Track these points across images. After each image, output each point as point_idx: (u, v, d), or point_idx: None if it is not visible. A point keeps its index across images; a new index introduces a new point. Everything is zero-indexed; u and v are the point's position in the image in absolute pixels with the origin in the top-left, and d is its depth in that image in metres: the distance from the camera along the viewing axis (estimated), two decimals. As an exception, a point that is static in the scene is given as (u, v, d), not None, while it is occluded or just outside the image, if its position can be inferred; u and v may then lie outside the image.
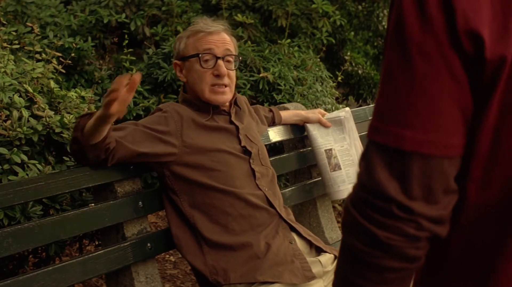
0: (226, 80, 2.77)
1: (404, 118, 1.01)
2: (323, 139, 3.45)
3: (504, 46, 0.97)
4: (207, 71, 2.75)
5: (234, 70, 2.85)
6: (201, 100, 2.79)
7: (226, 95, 2.80)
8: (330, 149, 3.45)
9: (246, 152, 2.80)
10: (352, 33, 6.56)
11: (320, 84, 4.57)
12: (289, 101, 4.10)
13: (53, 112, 2.99)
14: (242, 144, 2.80)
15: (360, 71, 6.79)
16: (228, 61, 2.81)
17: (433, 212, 1.01)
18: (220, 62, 2.76)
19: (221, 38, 2.80)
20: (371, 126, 1.07)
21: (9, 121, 2.79)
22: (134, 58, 4.54)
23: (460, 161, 1.02)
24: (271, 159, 3.10)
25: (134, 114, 4.16)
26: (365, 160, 1.06)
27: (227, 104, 2.86)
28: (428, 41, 0.99)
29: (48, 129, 2.90)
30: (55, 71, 3.41)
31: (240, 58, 2.96)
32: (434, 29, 0.98)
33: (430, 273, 1.12)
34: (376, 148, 1.04)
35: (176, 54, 2.87)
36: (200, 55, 2.76)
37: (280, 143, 3.68)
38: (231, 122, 2.83)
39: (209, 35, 2.79)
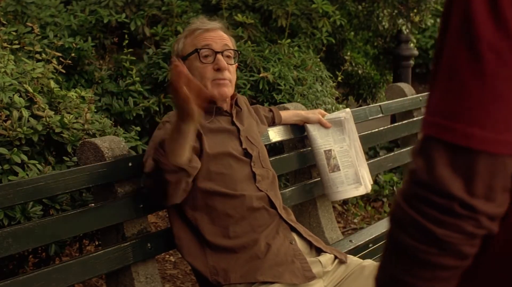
0: (226, 75, 2.77)
1: (473, 116, 1.00)
2: (322, 140, 3.45)
3: None
4: (207, 66, 2.75)
5: (235, 65, 2.85)
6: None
7: (228, 88, 2.79)
8: (330, 150, 3.45)
9: (247, 154, 2.80)
10: (352, 33, 6.56)
11: (320, 84, 4.57)
12: (289, 101, 4.10)
13: (53, 112, 3.00)
14: (243, 146, 2.79)
15: (360, 71, 6.79)
16: (228, 56, 2.81)
17: (492, 209, 1.02)
18: (219, 56, 2.76)
19: (218, 35, 2.81)
20: (432, 123, 1.04)
21: (9, 121, 2.80)
22: (134, 58, 4.54)
23: None
24: (271, 159, 3.10)
25: (134, 114, 4.16)
26: (424, 157, 1.04)
27: (228, 104, 2.86)
28: (501, 41, 0.98)
29: (48, 129, 2.90)
30: (55, 71, 3.42)
31: (240, 53, 2.97)
32: (509, 30, 0.98)
33: (471, 269, 1.11)
34: (439, 145, 1.03)
35: (176, 55, 2.87)
36: (199, 51, 2.76)
37: (280, 143, 3.68)
38: (233, 123, 2.83)
39: (206, 32, 2.80)
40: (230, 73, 2.79)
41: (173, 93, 2.29)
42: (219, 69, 2.75)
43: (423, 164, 1.04)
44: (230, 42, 2.85)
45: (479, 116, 0.99)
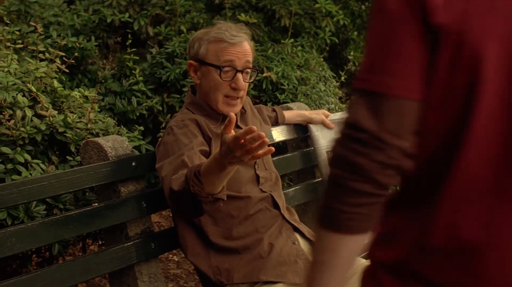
0: (241, 93, 2.77)
1: (382, 68, 1.28)
2: (325, 141, 3.44)
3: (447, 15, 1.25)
4: (225, 83, 2.74)
5: (248, 83, 2.83)
6: (211, 108, 2.78)
7: (237, 107, 2.79)
8: (332, 151, 3.44)
9: (252, 157, 2.79)
10: (356, 32, 6.55)
11: (324, 83, 4.57)
12: (292, 101, 4.10)
13: (56, 112, 3.00)
14: (247, 149, 2.78)
15: (363, 71, 6.77)
16: (246, 73, 2.80)
17: (401, 144, 1.26)
18: (239, 75, 2.74)
19: (242, 50, 2.77)
20: (357, 78, 1.31)
21: (12, 121, 2.80)
22: (137, 57, 4.54)
23: (421, 107, 1.28)
24: (274, 159, 3.09)
25: (138, 114, 4.16)
26: (351, 104, 1.31)
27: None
28: (401, 9, 1.26)
29: (51, 129, 2.90)
30: (58, 70, 3.42)
31: (258, 73, 2.95)
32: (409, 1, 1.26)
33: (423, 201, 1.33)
34: (360, 94, 1.30)
35: (193, 54, 2.82)
36: (221, 68, 2.73)
37: (283, 142, 3.68)
38: (237, 126, 2.82)
39: (231, 46, 2.75)
40: (244, 91, 2.79)
41: (236, 147, 2.21)
42: (235, 89, 2.75)
43: (350, 111, 1.31)
44: (251, 55, 2.82)
45: (386, 68, 1.27)
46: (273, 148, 2.24)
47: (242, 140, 2.19)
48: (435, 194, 1.30)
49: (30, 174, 2.67)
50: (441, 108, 1.28)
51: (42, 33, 3.87)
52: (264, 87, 4.24)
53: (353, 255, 1.35)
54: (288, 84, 4.26)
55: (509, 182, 1.27)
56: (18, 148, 2.71)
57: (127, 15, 4.86)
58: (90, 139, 2.78)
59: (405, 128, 1.27)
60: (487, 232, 1.28)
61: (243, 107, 2.91)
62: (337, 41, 5.39)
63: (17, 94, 2.89)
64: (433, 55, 1.26)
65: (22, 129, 2.78)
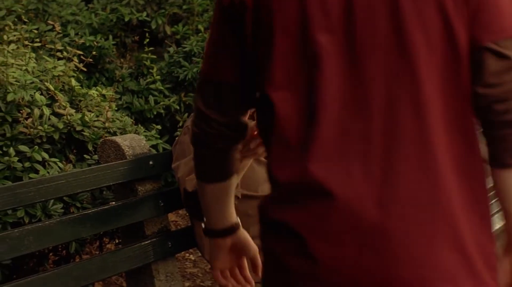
0: None
1: (205, 60, 1.62)
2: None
3: None
4: None
5: None
6: None
7: None
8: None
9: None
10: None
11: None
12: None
13: (74, 110, 3.00)
14: (264, 149, 2.77)
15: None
16: None
17: (221, 119, 1.59)
18: None
19: None
20: None
21: (30, 119, 2.80)
22: (155, 56, 4.54)
23: (240, 88, 1.57)
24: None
25: (155, 113, 4.16)
26: None
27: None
28: (216, 13, 1.56)
29: (69, 127, 2.90)
30: (76, 69, 3.42)
31: None
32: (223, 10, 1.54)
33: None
34: (199, 82, 1.64)
35: None
36: None
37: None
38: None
39: None
40: None
41: (250, 139, 2.22)
42: None
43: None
44: None
45: (207, 59, 1.61)
46: None
47: (256, 132, 2.18)
48: (270, 145, 1.54)
49: (48, 172, 2.67)
50: (256, 78, 1.52)
51: (60, 31, 3.88)
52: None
53: (217, 196, 1.76)
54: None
55: (314, 133, 1.44)
56: (35, 146, 2.72)
57: (144, 14, 4.87)
58: (107, 137, 2.78)
59: (223, 105, 1.58)
60: (304, 174, 1.46)
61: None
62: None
63: (35, 93, 2.89)
64: (243, 37, 1.51)
65: (39, 127, 2.79)
